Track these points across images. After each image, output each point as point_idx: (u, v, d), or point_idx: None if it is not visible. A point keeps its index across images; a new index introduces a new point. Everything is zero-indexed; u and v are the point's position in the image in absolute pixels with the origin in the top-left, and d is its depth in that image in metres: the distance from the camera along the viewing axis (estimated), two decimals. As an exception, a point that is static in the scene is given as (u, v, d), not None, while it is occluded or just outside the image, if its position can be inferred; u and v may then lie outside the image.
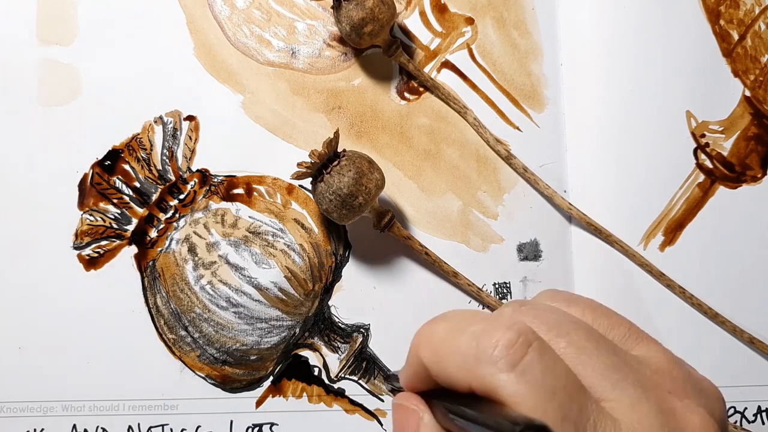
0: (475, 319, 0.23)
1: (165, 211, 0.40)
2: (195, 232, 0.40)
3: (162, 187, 0.40)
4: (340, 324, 0.40)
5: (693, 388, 0.23)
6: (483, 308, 0.40)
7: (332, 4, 0.39)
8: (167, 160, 0.40)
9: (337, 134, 0.36)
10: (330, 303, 0.40)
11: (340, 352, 0.39)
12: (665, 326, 0.39)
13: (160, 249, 0.40)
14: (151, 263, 0.39)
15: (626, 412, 0.21)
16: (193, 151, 0.40)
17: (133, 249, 0.40)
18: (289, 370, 0.39)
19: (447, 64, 0.42)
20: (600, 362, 0.23)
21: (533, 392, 0.20)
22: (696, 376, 0.24)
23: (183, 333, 0.39)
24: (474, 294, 0.39)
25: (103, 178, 0.40)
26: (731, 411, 0.39)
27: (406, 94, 0.41)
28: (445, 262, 0.39)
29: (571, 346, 0.23)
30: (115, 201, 0.40)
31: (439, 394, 0.24)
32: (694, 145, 0.41)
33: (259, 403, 0.39)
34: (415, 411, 0.24)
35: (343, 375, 0.39)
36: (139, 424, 0.39)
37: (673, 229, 0.40)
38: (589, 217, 0.40)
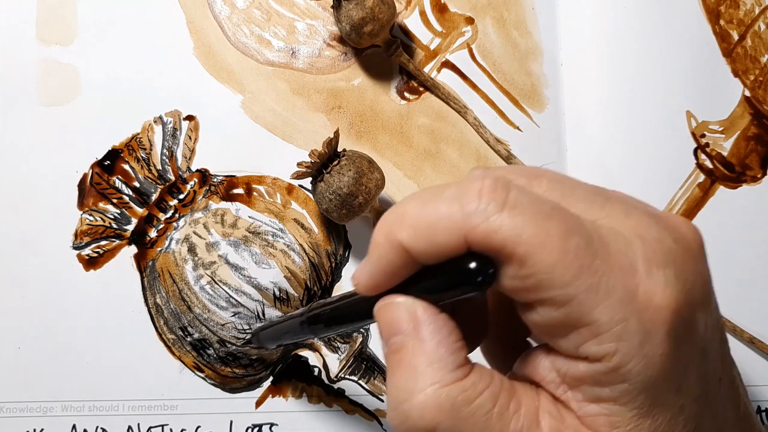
0: (443, 188, 0.22)
1: (165, 211, 0.40)
2: (195, 232, 0.40)
3: (162, 186, 0.40)
4: (340, 324, 0.39)
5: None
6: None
7: (332, 3, 0.39)
8: (167, 160, 0.40)
9: (337, 134, 0.36)
10: (330, 303, 0.40)
11: (340, 353, 0.39)
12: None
13: (159, 249, 0.40)
14: (150, 263, 0.39)
15: (621, 221, 0.22)
16: (192, 151, 0.40)
17: (133, 249, 0.40)
18: (288, 370, 0.39)
19: (447, 64, 0.42)
20: (583, 189, 0.23)
21: (530, 220, 0.21)
22: None
23: (182, 333, 0.39)
24: (474, 294, 0.39)
25: (103, 177, 0.40)
26: (731, 411, 0.39)
27: (406, 94, 0.41)
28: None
29: (552, 182, 0.23)
30: (114, 201, 0.40)
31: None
32: (694, 145, 0.41)
33: (258, 403, 0.39)
34: (402, 304, 0.23)
35: (343, 375, 0.39)
36: (138, 425, 0.38)
37: (673, 229, 0.40)
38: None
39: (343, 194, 0.35)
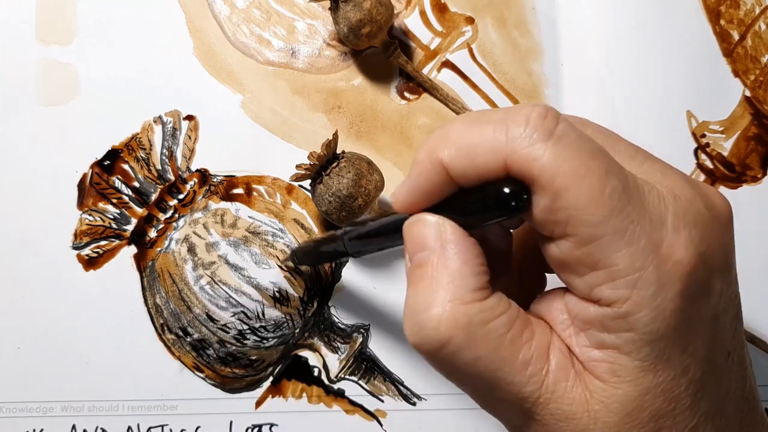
0: (491, 111, 0.23)
1: (164, 211, 0.40)
2: (194, 232, 0.40)
3: (161, 186, 0.40)
4: (339, 324, 0.39)
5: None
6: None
7: (330, 5, 0.39)
8: (167, 160, 0.40)
9: (335, 136, 0.36)
10: (330, 303, 0.40)
11: (339, 353, 0.39)
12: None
13: (159, 249, 0.40)
14: (150, 263, 0.39)
15: (658, 178, 0.23)
16: (192, 151, 0.40)
17: (133, 249, 0.40)
18: (288, 370, 0.39)
19: (447, 64, 0.42)
20: (625, 144, 0.24)
21: (573, 154, 0.21)
22: None
23: (182, 333, 0.39)
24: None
25: (103, 177, 0.40)
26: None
27: (406, 94, 0.41)
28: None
29: (596, 131, 0.24)
30: (114, 201, 0.40)
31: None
32: (695, 145, 0.41)
33: (258, 403, 0.39)
34: (432, 222, 0.24)
35: (342, 375, 0.39)
36: (138, 425, 0.38)
37: (674, 230, 0.40)
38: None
39: (343, 196, 0.35)
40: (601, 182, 0.21)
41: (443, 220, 0.24)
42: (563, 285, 0.23)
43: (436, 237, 0.24)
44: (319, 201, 0.36)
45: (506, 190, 0.21)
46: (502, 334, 0.22)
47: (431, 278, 0.23)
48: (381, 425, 0.39)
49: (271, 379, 0.39)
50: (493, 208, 0.22)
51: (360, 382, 0.39)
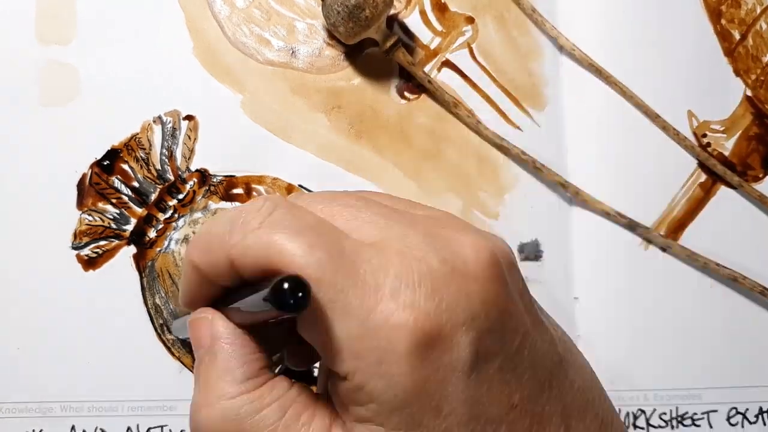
0: (232, 209, 0.24)
1: (164, 211, 0.40)
2: (194, 233, 0.39)
3: (161, 186, 0.40)
4: (339, 324, 0.39)
5: (471, 228, 0.24)
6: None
7: None
8: (166, 160, 0.40)
9: None
10: (329, 303, 0.39)
11: (339, 353, 0.39)
12: (663, 326, 0.39)
13: (159, 249, 0.39)
14: (150, 263, 0.39)
15: (394, 244, 0.22)
16: (192, 151, 0.40)
17: (132, 249, 0.40)
18: (288, 371, 0.39)
19: (447, 64, 0.42)
20: (369, 212, 0.23)
21: (279, 237, 0.21)
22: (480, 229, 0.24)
23: (182, 333, 0.39)
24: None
25: (102, 177, 0.40)
26: (732, 412, 0.39)
27: (406, 94, 0.41)
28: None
29: (344, 206, 0.23)
30: (113, 201, 0.40)
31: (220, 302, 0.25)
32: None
33: (258, 403, 0.39)
34: (205, 319, 0.24)
35: (342, 376, 0.39)
36: (138, 425, 0.38)
37: (675, 229, 0.40)
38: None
39: (351, 6, 0.36)
40: (302, 258, 0.21)
41: (214, 316, 0.24)
42: None
43: (208, 334, 0.24)
44: (328, 12, 0.37)
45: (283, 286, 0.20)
46: (275, 421, 0.22)
47: (204, 378, 0.23)
48: (381, 426, 0.39)
49: (270, 379, 0.39)
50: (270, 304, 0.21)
51: (360, 382, 0.39)
